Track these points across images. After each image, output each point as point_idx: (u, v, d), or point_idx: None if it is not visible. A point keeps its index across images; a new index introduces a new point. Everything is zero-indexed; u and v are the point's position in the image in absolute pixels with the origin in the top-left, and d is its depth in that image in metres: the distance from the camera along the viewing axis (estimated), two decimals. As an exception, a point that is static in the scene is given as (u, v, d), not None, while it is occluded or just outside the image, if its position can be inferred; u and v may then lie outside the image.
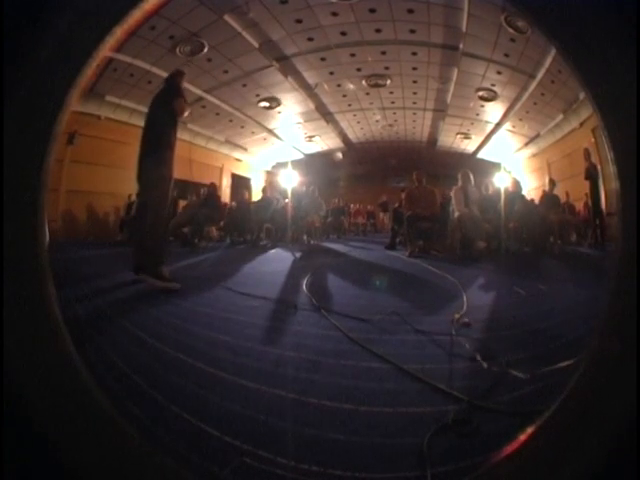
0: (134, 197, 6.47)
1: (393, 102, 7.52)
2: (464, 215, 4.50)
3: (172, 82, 2.38)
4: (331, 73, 6.38)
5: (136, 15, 0.65)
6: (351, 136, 8.96)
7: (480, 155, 9.22)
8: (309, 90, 6.61)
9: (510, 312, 1.66)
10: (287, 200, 6.08)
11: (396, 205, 5.78)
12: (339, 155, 8.59)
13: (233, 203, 7.16)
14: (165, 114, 2.23)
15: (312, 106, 7.04)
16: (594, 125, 5.60)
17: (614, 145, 0.53)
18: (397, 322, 1.42)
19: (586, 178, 5.85)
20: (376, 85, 6.96)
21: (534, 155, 8.26)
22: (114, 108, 6.59)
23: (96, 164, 6.22)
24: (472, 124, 8.16)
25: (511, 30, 5.04)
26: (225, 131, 8.57)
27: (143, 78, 6.27)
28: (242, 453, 0.65)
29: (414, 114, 7.90)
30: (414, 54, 6.01)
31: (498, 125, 7.97)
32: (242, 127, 8.26)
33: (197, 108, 7.44)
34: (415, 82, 6.83)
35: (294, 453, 0.65)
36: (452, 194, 4.79)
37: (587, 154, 5.99)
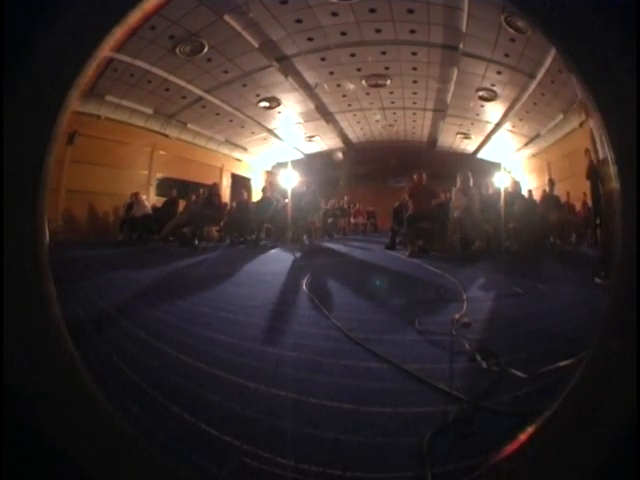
0: (139, 196, 6.44)
1: (393, 102, 7.51)
2: (464, 215, 4.50)
3: None
4: (331, 73, 6.37)
5: (136, 15, 0.65)
6: (351, 136, 8.95)
7: (480, 155, 9.20)
8: (309, 90, 6.59)
9: (510, 312, 1.66)
10: (287, 200, 6.06)
11: (396, 205, 5.76)
12: (339, 155, 8.58)
13: (233, 203, 7.15)
14: None
15: (312, 106, 7.03)
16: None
17: (614, 145, 0.53)
18: (397, 322, 1.42)
19: (587, 178, 5.84)
20: (376, 85, 6.95)
21: (534, 155, 8.24)
22: (114, 108, 6.58)
23: (96, 164, 6.20)
24: (472, 124, 8.14)
25: (511, 30, 5.03)
26: (225, 131, 8.56)
27: (143, 78, 6.26)
28: (242, 453, 0.65)
29: (414, 114, 7.89)
30: (414, 54, 6.00)
31: (498, 125, 7.95)
32: (242, 127, 8.25)
33: (197, 108, 7.43)
34: (415, 82, 6.82)
35: (294, 453, 0.65)
36: (452, 194, 4.80)
37: (588, 154, 5.98)
